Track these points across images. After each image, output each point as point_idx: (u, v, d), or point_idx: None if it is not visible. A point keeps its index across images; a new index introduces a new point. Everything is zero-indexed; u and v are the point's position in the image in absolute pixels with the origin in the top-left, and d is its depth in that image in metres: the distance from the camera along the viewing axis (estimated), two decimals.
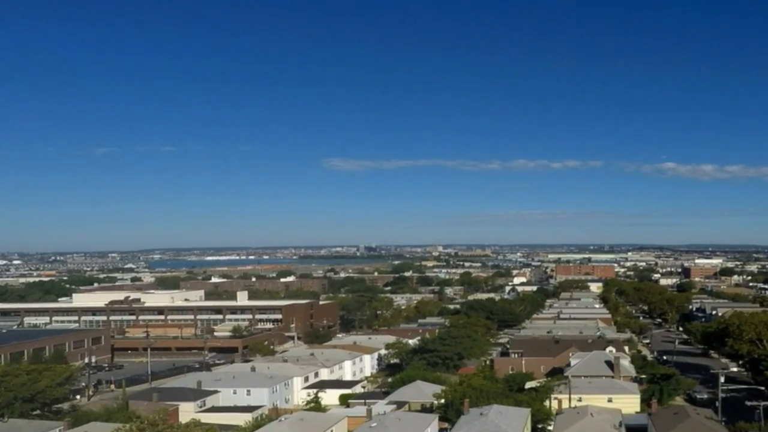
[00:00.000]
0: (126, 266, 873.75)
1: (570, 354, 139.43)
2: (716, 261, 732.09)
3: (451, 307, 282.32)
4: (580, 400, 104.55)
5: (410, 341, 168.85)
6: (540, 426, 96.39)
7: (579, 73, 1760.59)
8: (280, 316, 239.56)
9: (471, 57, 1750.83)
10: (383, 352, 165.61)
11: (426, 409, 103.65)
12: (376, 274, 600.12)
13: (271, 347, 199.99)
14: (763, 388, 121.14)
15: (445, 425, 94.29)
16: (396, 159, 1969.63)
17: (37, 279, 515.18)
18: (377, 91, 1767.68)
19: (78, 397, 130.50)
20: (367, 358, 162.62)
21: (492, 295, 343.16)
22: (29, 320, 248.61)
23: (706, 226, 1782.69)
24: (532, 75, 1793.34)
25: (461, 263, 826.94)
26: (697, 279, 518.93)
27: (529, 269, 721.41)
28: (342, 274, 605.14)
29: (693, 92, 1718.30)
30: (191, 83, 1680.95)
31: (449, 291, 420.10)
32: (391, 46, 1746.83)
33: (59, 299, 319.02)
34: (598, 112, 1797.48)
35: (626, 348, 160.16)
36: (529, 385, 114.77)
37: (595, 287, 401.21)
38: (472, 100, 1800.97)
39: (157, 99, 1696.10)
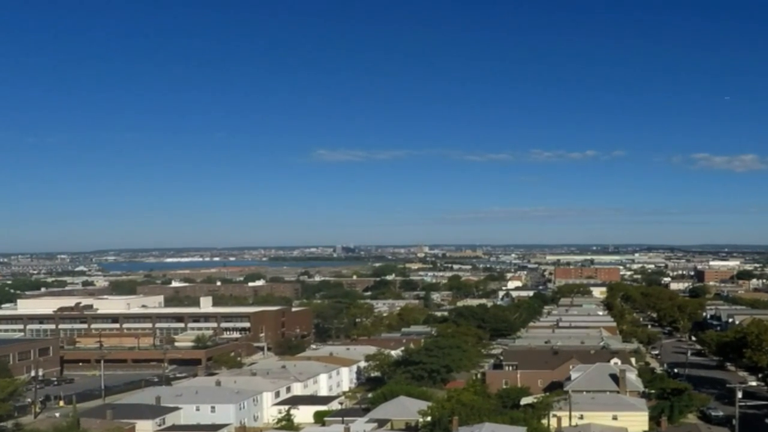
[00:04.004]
0: (77, 269, 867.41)
1: (570, 366, 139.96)
2: (733, 263, 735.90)
3: (438, 314, 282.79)
4: (581, 417, 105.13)
5: (393, 352, 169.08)
6: None
7: (605, 55, 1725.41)
8: (248, 325, 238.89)
9: (481, 37, 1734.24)
10: (363, 364, 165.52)
11: (410, 428, 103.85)
12: (354, 277, 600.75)
13: (238, 359, 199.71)
14: None
15: None
16: (393, 148, 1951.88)
17: None
18: (374, 74, 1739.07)
19: (24, 414, 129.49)
20: (344, 371, 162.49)
21: (483, 300, 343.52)
22: None
23: (722, 224, 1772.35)
24: (552, 57, 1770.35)
25: (449, 265, 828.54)
26: (711, 283, 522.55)
27: (525, 272, 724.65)
28: (317, 278, 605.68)
29: (734, 77, 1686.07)
30: (161, 64, 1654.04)
31: (436, 296, 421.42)
32: (389, 23, 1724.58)
33: (2, 306, 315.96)
34: (626, 97, 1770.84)
35: (633, 360, 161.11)
36: (525, 401, 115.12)
37: (599, 292, 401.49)
38: (484, 84, 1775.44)
39: (120, 79, 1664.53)
